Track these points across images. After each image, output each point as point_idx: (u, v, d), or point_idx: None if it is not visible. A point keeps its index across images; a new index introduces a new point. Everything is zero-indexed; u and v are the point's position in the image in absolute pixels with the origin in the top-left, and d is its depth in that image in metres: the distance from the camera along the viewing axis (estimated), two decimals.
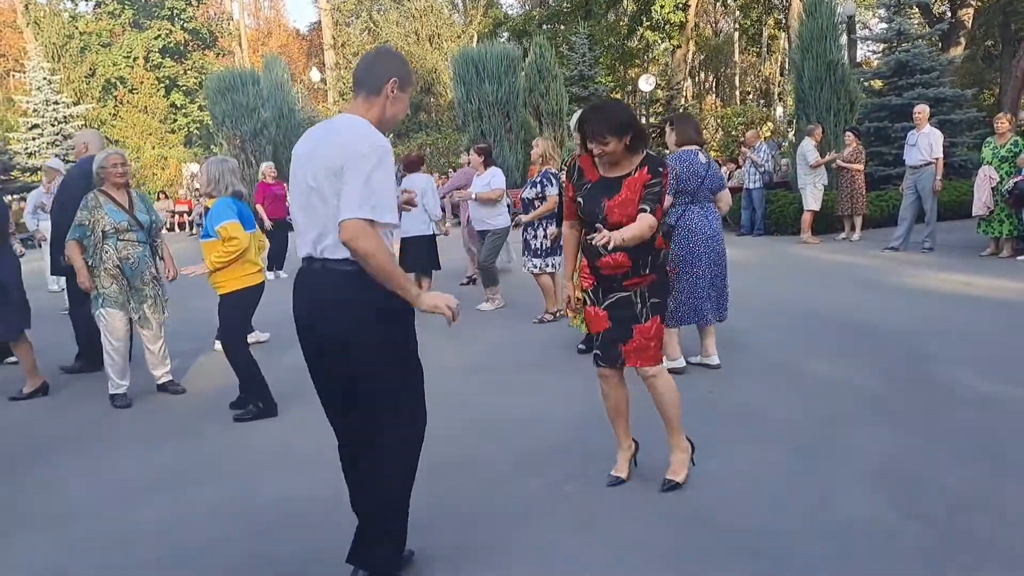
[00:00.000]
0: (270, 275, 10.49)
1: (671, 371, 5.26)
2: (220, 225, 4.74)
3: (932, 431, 4.21)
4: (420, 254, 8.11)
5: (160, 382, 5.56)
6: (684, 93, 31.54)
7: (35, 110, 24.50)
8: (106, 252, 5.26)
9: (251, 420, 4.82)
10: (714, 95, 38.73)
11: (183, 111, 34.36)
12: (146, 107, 31.67)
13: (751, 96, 36.76)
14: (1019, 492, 3.41)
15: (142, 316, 5.38)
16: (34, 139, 23.98)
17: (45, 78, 24.66)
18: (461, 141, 19.71)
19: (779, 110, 29.82)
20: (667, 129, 5.51)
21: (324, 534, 3.33)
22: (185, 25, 36.04)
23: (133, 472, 4.21)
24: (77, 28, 31.98)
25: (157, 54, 34.65)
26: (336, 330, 2.65)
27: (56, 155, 23.76)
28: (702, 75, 39.77)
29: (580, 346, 6.19)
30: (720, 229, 5.44)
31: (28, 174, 22.97)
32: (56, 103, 24.69)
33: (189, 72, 35.02)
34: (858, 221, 12.49)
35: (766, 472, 3.76)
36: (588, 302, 3.54)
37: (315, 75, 31.16)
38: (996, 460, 3.77)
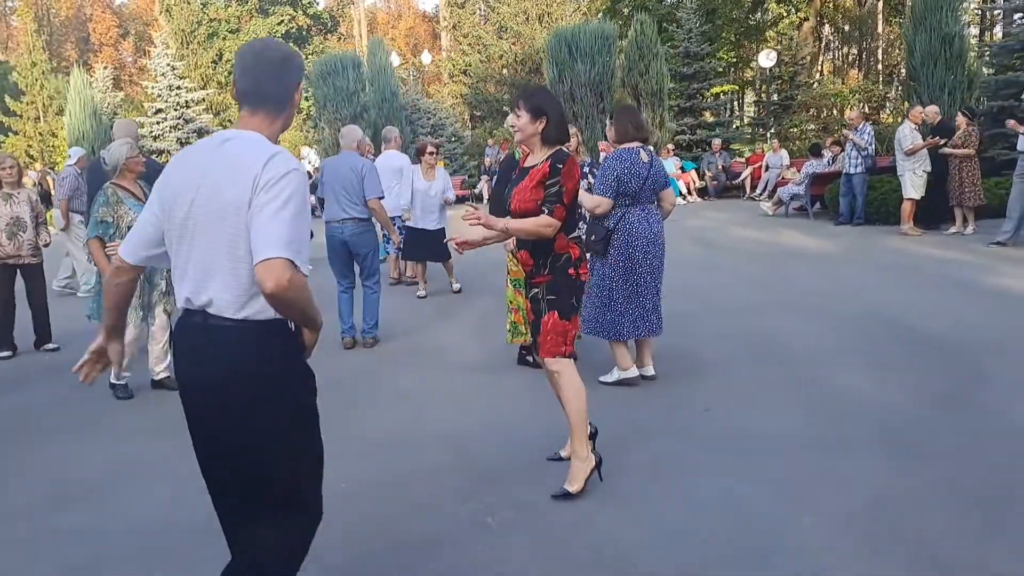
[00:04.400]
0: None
1: (624, 382, 4.96)
2: None
3: (944, 469, 3.65)
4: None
5: (158, 378, 5.54)
6: (819, 67, 29.62)
7: (159, 95, 25.93)
8: None
9: None
10: (857, 70, 36.26)
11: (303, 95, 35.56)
12: None
13: (896, 69, 34.09)
14: (1009, 555, 2.84)
15: (155, 309, 5.41)
16: (158, 123, 25.43)
17: (169, 64, 26.04)
18: None
19: None
20: (608, 123, 5.04)
21: None
22: (307, 10, 37.15)
23: (96, 468, 4.23)
24: (207, 15, 33.53)
25: (280, 39, 35.92)
26: (239, 396, 2.17)
27: (179, 139, 25.13)
28: (845, 49, 37.31)
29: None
30: (662, 232, 4.94)
31: (153, 156, 24.43)
32: (179, 88, 26.00)
33: (310, 57, 36.07)
34: (970, 214, 11.26)
35: (724, 507, 3.34)
36: (524, 295, 3.82)
37: (426, 58, 31.44)
38: (999, 513, 3.19)
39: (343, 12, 41.68)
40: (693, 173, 18.93)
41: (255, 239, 2.04)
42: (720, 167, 18.99)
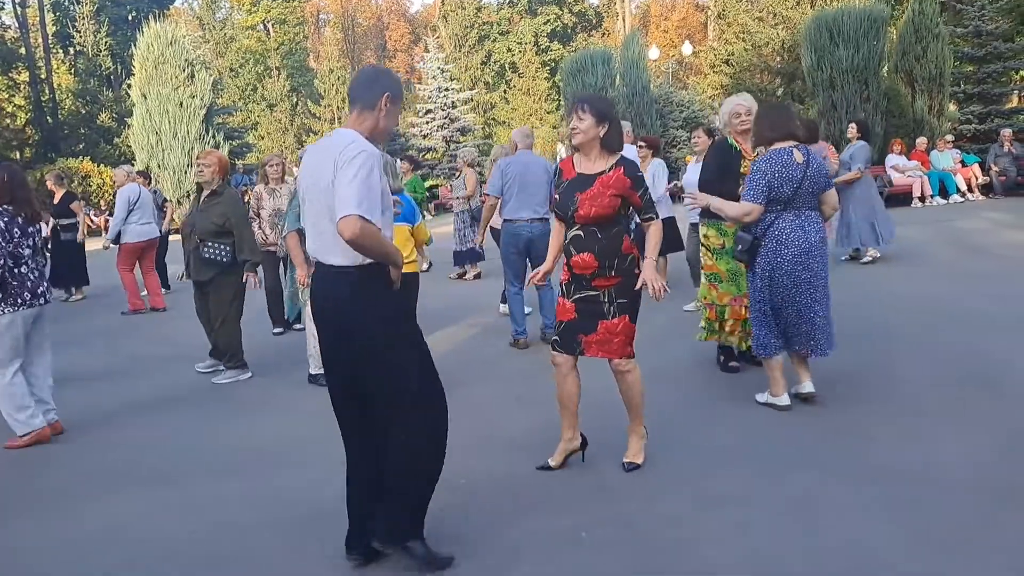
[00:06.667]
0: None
1: (773, 406, 4.48)
2: None
3: None
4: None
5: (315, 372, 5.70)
6: None
7: (429, 97, 27.94)
8: None
9: None
10: None
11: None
12: (528, 89, 34.19)
13: None
14: None
15: None
16: (427, 123, 27.46)
17: (439, 68, 27.97)
18: (810, 112, 17.99)
19: None
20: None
21: None
22: (572, 8, 37.97)
23: (263, 442, 4.67)
24: (479, 18, 35.52)
25: (545, 38, 37.09)
26: (344, 324, 2.91)
27: (444, 137, 26.88)
28: None
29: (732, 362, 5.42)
30: (822, 242, 4.32)
31: (421, 153, 26.46)
32: (447, 90, 27.83)
33: (573, 54, 36.94)
34: None
35: (847, 555, 2.90)
36: (561, 294, 3.79)
37: (686, 49, 30.76)
38: None
39: (609, 8, 42.08)
40: (976, 167, 16.67)
41: (336, 204, 2.71)
42: (1011, 159, 16.51)
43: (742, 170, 4.99)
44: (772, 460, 3.86)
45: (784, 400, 4.44)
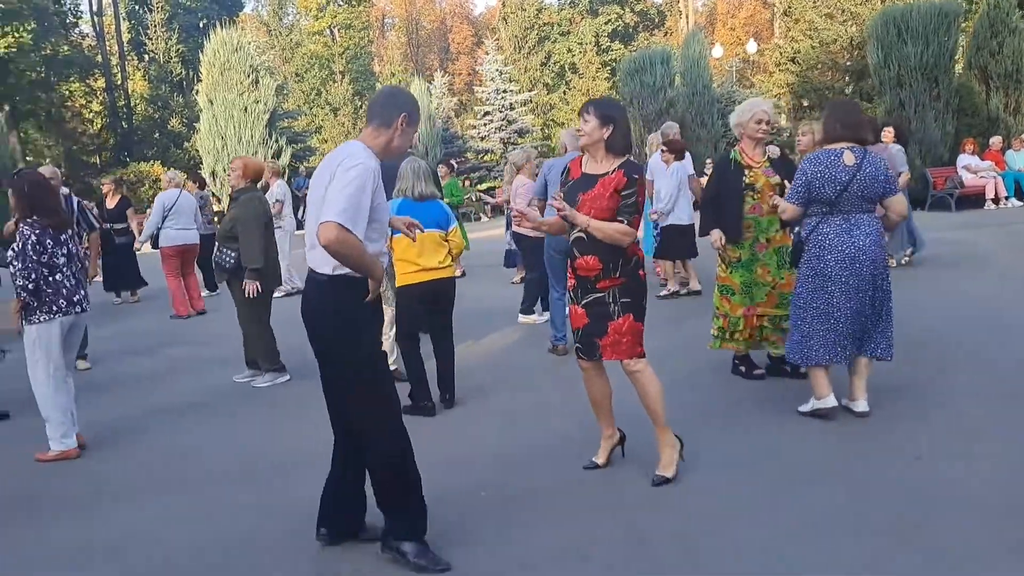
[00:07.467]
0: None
1: (817, 412, 4.29)
2: None
3: None
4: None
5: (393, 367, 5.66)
6: None
7: (487, 99, 28.01)
8: None
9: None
10: None
11: None
12: (587, 90, 33.95)
13: None
14: None
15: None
16: (485, 124, 27.52)
17: (497, 70, 28.01)
18: (877, 111, 17.35)
19: None
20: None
21: None
22: (634, 7, 37.59)
23: (283, 449, 4.64)
24: (540, 20, 35.44)
25: (606, 38, 36.78)
26: (317, 332, 3.05)
27: (502, 139, 26.87)
28: None
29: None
30: (874, 245, 4.08)
31: (479, 155, 26.57)
32: (505, 91, 27.85)
33: (632, 53, 36.58)
34: None
35: None
36: (571, 300, 3.79)
37: (751, 47, 30.08)
38: None
39: (672, 7, 41.52)
40: None
41: (322, 209, 2.76)
42: None
43: (747, 181, 4.85)
44: (795, 472, 3.73)
45: (830, 401, 4.23)
